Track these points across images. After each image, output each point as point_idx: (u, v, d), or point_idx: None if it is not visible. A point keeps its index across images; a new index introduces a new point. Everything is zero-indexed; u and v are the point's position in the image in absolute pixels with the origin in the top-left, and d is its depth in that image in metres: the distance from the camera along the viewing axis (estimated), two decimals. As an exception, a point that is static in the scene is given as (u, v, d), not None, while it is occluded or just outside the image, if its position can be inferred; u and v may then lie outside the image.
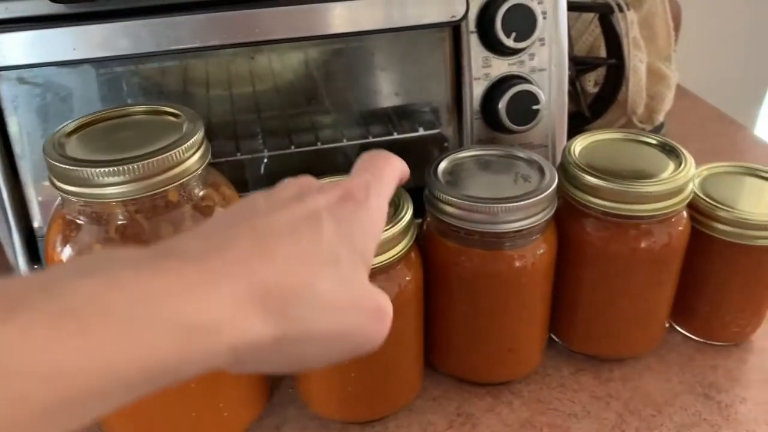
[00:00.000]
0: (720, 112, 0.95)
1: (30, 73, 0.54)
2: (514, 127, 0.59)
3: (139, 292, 0.24)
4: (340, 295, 0.29)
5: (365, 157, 0.36)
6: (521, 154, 0.51)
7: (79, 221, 0.41)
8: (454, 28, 0.58)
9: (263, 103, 0.65)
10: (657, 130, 0.88)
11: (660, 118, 0.85)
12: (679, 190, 0.49)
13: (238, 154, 0.61)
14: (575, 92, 0.82)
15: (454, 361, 0.53)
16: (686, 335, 0.58)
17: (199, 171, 0.42)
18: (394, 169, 0.36)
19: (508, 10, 0.56)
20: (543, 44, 0.59)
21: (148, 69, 0.60)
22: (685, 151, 0.52)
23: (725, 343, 0.57)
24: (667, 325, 0.57)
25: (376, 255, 0.41)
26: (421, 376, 0.53)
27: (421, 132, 0.63)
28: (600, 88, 0.82)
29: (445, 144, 0.63)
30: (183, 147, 0.40)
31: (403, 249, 0.45)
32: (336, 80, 0.66)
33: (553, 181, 0.47)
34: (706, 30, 1.08)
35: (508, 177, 0.50)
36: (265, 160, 0.65)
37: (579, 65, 0.80)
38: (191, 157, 0.41)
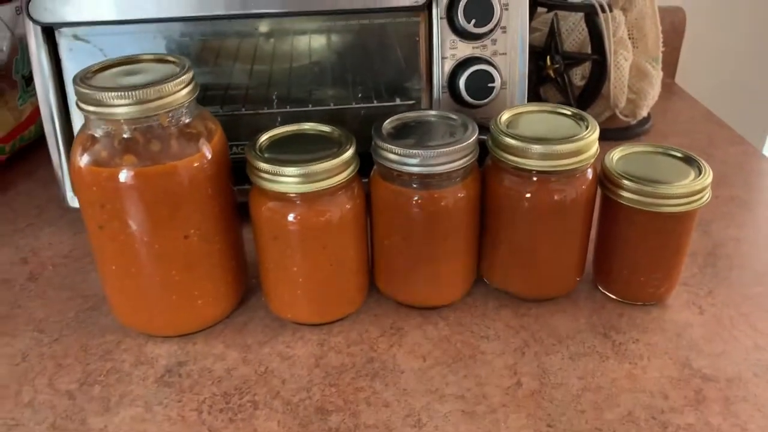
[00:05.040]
0: (710, 113, 1.02)
1: (81, 31, 0.68)
2: (472, 101, 0.70)
3: None
4: None
5: None
6: (454, 116, 0.62)
7: (95, 135, 0.54)
8: (428, 15, 0.69)
9: (273, 74, 0.78)
10: (642, 123, 0.96)
11: (643, 112, 0.93)
12: (582, 150, 0.58)
13: (243, 109, 0.75)
14: (563, 84, 0.91)
15: (393, 286, 0.64)
16: (608, 295, 0.66)
17: (186, 103, 0.55)
18: None
19: (469, 1, 0.67)
20: (504, 32, 0.70)
21: (182, 39, 0.74)
22: (591, 119, 0.61)
23: (643, 302, 0.65)
24: (577, 278, 0.66)
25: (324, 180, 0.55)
26: (363, 293, 0.64)
27: (398, 101, 0.74)
28: (585, 81, 0.91)
29: (420, 113, 0.74)
30: (173, 83, 0.53)
31: (344, 179, 0.56)
32: (333, 57, 0.78)
33: (472, 135, 0.58)
34: (713, 38, 1.14)
35: (439, 132, 0.60)
36: (279, 119, 0.77)
37: (567, 59, 0.89)
38: (180, 91, 0.54)
